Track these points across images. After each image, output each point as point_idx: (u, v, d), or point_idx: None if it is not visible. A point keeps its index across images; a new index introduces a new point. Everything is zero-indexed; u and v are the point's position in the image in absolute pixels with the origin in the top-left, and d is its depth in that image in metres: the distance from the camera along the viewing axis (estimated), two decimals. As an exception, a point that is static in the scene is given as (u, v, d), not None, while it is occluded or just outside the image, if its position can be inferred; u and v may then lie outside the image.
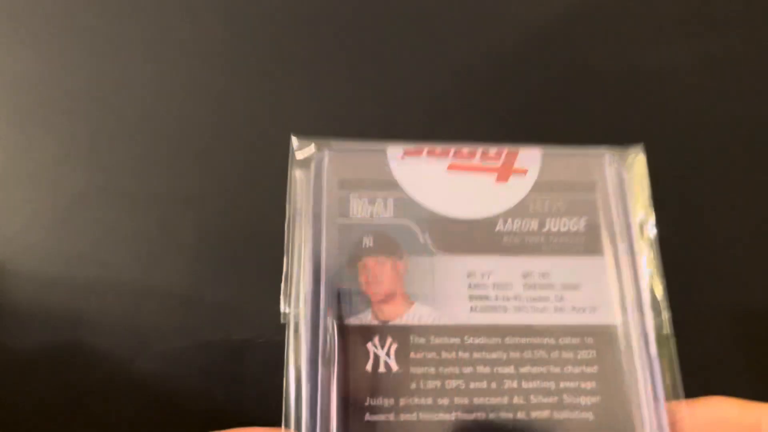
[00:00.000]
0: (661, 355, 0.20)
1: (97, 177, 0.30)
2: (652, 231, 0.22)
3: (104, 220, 0.30)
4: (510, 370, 0.20)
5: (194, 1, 0.35)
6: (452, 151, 0.23)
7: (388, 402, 0.20)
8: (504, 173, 0.23)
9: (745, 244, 0.32)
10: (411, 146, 0.23)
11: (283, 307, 0.20)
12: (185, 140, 0.32)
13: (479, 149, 0.23)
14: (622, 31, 0.35)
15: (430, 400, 0.20)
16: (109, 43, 0.33)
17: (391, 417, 0.19)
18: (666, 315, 0.21)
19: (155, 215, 0.30)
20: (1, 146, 0.32)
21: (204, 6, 0.34)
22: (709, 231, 0.32)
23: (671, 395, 0.20)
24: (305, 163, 0.22)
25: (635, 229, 0.22)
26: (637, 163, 0.23)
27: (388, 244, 0.22)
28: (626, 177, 0.23)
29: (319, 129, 0.31)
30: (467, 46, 0.35)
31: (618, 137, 0.24)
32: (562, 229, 0.22)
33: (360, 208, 0.22)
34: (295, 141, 0.23)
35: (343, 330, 0.20)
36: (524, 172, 0.23)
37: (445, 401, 0.20)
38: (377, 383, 0.20)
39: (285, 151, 0.23)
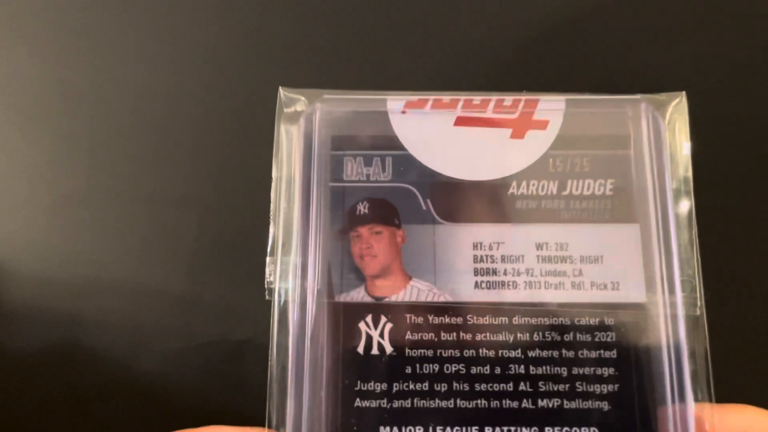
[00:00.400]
0: (691, 341, 0.18)
1: (95, 177, 0.30)
2: (691, 198, 0.19)
3: (103, 220, 0.29)
4: (517, 353, 0.18)
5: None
6: (461, 101, 0.20)
7: (380, 387, 0.18)
8: (520, 127, 0.20)
9: None
10: (414, 97, 0.20)
11: (268, 282, 0.19)
12: (185, 141, 0.30)
13: (493, 98, 0.20)
14: None
15: (426, 386, 0.18)
16: (109, 43, 0.31)
17: (384, 403, 0.18)
18: (700, 295, 0.18)
19: (154, 215, 0.29)
20: (0, 146, 0.31)
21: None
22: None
23: (700, 393, 0.18)
24: (294, 118, 0.20)
25: (671, 194, 0.19)
26: (678, 113, 0.20)
27: (386, 210, 0.19)
28: (665, 130, 0.20)
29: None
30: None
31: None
32: (586, 193, 0.19)
33: (355, 170, 0.20)
34: (282, 93, 0.20)
35: (334, 308, 0.19)
36: (544, 125, 0.20)
37: (443, 387, 0.18)
38: (369, 366, 0.18)
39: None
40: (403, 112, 0.20)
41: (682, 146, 0.20)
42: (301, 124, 0.20)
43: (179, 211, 0.29)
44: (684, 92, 0.20)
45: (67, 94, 0.30)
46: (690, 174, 0.19)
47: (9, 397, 0.28)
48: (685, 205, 0.19)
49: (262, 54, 0.30)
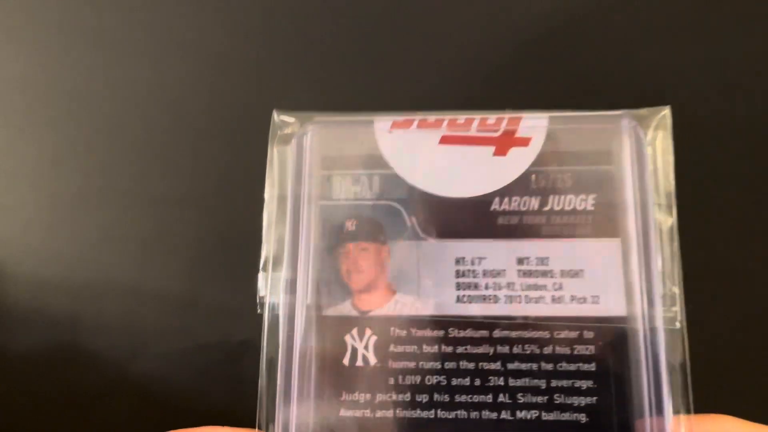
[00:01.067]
0: (670, 354, 0.18)
1: (94, 178, 0.30)
2: (673, 212, 0.19)
3: (102, 222, 0.30)
4: (497, 366, 0.19)
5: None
6: (446, 120, 0.21)
7: (364, 397, 0.19)
8: (503, 145, 0.20)
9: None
10: (400, 117, 0.21)
11: (259, 296, 0.20)
12: (185, 141, 0.31)
13: (477, 117, 0.21)
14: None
15: (408, 396, 0.19)
16: (108, 42, 0.32)
17: (368, 413, 0.19)
18: (681, 309, 0.18)
19: (154, 215, 0.30)
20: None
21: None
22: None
23: (679, 406, 0.18)
24: (286, 140, 0.21)
25: (653, 209, 0.19)
26: (662, 128, 0.20)
27: (372, 228, 0.20)
28: (647, 145, 0.20)
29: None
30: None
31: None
32: (567, 208, 0.20)
33: (343, 189, 0.20)
34: (276, 116, 0.21)
35: (321, 321, 0.19)
36: (527, 142, 0.20)
37: (424, 398, 0.19)
38: (354, 377, 0.19)
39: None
40: (390, 132, 0.21)
41: (666, 161, 0.20)
42: (293, 146, 0.21)
43: (179, 212, 0.30)
44: (668, 106, 0.20)
45: (67, 94, 0.31)
46: (673, 188, 0.19)
47: (9, 397, 0.28)
48: (668, 220, 0.19)
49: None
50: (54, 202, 0.30)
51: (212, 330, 0.29)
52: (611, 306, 0.19)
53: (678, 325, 0.18)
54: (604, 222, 0.19)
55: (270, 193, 0.21)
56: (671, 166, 0.20)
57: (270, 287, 0.20)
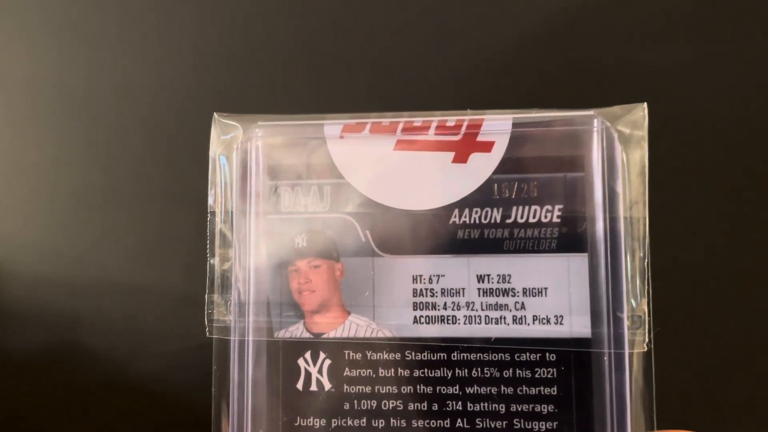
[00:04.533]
0: (636, 378, 0.17)
1: (94, 177, 0.29)
2: (644, 226, 0.18)
3: (102, 220, 0.29)
4: (455, 390, 0.18)
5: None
6: (401, 123, 0.19)
7: (319, 423, 0.18)
8: (463, 150, 0.19)
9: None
10: (352, 120, 0.19)
11: (207, 320, 0.19)
12: (185, 141, 0.29)
13: (435, 119, 0.19)
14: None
15: (364, 422, 0.18)
16: (108, 42, 0.30)
17: (323, 438, 0.18)
18: (648, 330, 0.17)
19: (153, 216, 0.29)
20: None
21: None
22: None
23: (643, 427, 0.17)
24: (229, 146, 0.19)
25: (623, 222, 0.18)
26: (637, 128, 0.18)
27: (325, 243, 0.19)
28: (619, 148, 0.18)
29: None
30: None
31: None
32: (532, 220, 0.18)
33: (293, 201, 0.19)
34: (217, 118, 0.19)
35: (273, 345, 0.19)
36: (489, 147, 0.18)
37: (380, 423, 0.18)
38: (308, 402, 0.18)
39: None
40: (341, 138, 0.19)
41: (641, 166, 0.18)
42: (237, 153, 0.19)
43: (179, 211, 0.29)
44: (645, 103, 0.18)
45: (67, 93, 0.30)
46: (646, 198, 0.18)
47: (7, 396, 0.29)
48: (640, 235, 0.18)
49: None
50: (54, 201, 0.30)
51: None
52: (576, 328, 0.18)
53: (645, 347, 0.17)
54: (570, 236, 0.18)
55: (212, 206, 0.19)
56: (646, 172, 0.18)
57: (218, 310, 0.19)
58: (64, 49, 0.30)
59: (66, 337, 0.29)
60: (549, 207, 0.18)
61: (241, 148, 0.19)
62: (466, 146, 0.18)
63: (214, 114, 0.20)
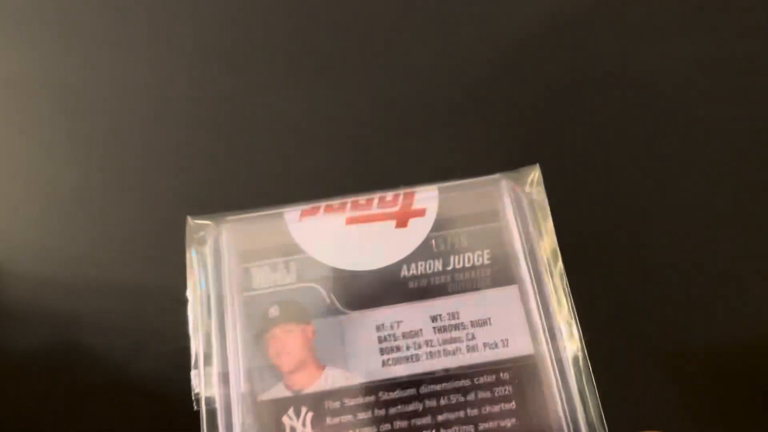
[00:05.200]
0: (579, 382, 0.20)
1: (96, 177, 0.30)
2: (559, 256, 0.22)
3: (102, 220, 0.30)
4: (427, 420, 0.20)
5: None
6: (349, 203, 0.23)
7: (308, 473, 0.20)
8: (402, 217, 0.23)
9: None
10: (308, 206, 0.23)
11: (194, 393, 0.20)
12: (185, 140, 0.31)
13: (376, 196, 0.23)
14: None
15: None
16: (108, 43, 0.33)
17: (314, 488, 0.19)
18: (579, 338, 0.21)
19: (154, 215, 0.30)
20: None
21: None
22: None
23: (595, 428, 0.20)
24: (203, 242, 0.22)
25: (541, 255, 0.22)
26: (536, 184, 0.23)
27: (295, 310, 0.22)
28: (524, 200, 0.23)
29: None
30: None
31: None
32: (467, 265, 0.22)
33: (263, 278, 0.22)
34: (191, 221, 0.23)
35: (258, 407, 0.20)
36: (423, 212, 0.23)
37: None
38: None
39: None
40: (300, 220, 0.23)
41: (544, 211, 0.22)
42: (210, 246, 0.22)
43: (180, 211, 0.29)
44: (537, 164, 0.23)
45: (67, 94, 0.31)
46: (554, 237, 0.22)
47: (8, 396, 0.28)
48: (555, 262, 0.22)
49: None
50: (54, 200, 0.30)
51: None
52: (520, 346, 0.21)
53: (580, 354, 0.21)
54: (501, 272, 0.22)
55: (192, 294, 0.22)
56: (549, 216, 0.22)
57: (204, 383, 0.21)
58: (65, 49, 0.31)
59: (66, 337, 0.28)
60: (479, 252, 0.22)
61: (214, 241, 0.22)
62: (405, 214, 0.23)
63: (188, 218, 0.23)
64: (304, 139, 0.34)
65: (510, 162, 0.24)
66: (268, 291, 0.22)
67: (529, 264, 0.22)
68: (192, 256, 0.22)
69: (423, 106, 0.34)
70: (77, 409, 0.28)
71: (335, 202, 0.23)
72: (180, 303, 0.22)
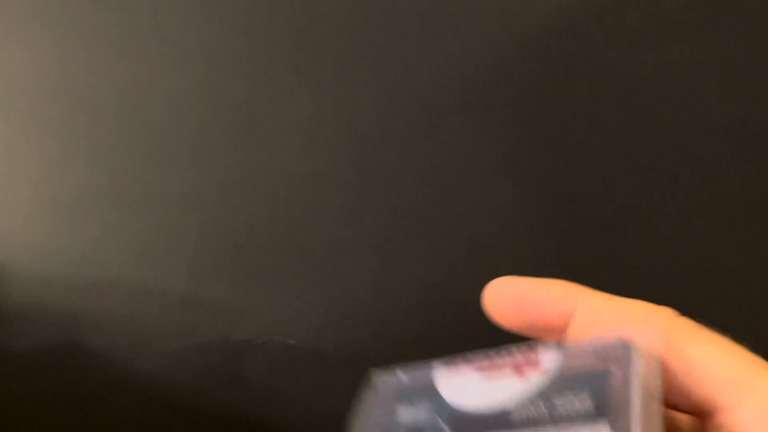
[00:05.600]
0: None
1: (96, 177, 0.31)
2: None
3: (104, 221, 0.30)
4: None
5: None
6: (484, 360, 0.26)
7: None
8: (521, 369, 0.25)
9: None
10: (452, 360, 0.26)
11: None
12: (185, 139, 0.31)
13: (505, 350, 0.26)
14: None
15: None
16: (109, 44, 0.31)
17: None
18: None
19: (154, 215, 0.30)
20: (0, 146, 0.32)
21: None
22: None
23: None
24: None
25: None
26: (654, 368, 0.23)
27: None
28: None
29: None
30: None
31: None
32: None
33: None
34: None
35: None
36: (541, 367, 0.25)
37: None
38: None
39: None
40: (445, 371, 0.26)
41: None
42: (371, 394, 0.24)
43: (181, 211, 0.31)
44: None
45: (67, 94, 0.31)
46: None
47: (8, 395, 0.29)
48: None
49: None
50: (55, 201, 0.31)
51: (214, 328, 0.30)
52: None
53: None
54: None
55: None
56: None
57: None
58: (65, 49, 0.31)
59: (67, 336, 0.29)
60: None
61: (374, 390, 0.25)
62: (525, 366, 0.26)
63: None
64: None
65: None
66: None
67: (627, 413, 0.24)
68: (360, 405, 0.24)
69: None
70: (78, 408, 0.29)
71: (475, 357, 0.26)
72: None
